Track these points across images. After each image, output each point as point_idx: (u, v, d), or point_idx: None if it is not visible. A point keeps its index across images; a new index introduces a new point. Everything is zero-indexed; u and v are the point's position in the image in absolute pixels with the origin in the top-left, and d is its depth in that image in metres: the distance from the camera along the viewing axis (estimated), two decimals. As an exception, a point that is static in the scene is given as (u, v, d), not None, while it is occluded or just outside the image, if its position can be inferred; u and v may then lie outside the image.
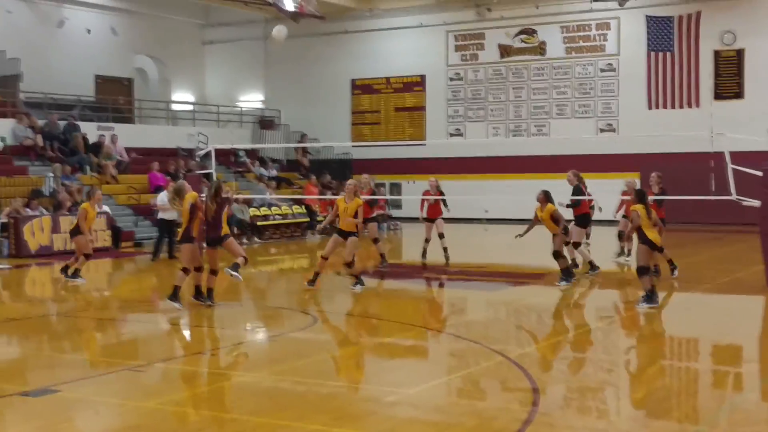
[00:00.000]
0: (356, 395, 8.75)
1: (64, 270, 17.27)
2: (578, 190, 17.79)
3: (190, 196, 13.77)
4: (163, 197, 21.45)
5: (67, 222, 22.71)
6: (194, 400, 8.50)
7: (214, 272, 13.84)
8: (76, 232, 17.24)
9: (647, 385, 9.41)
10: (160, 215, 21.52)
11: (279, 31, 19.57)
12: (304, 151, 35.23)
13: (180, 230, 13.88)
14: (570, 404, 8.49)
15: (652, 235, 13.40)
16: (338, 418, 7.84)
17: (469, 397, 8.89)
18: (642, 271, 13.45)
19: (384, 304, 15.33)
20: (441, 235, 19.74)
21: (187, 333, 12.95)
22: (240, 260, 13.97)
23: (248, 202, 27.23)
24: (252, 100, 39.09)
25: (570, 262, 16.48)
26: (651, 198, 17.85)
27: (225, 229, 13.80)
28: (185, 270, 13.71)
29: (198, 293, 13.99)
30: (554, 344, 11.34)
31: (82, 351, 11.48)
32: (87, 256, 17.19)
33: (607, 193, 21.93)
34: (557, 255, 16.11)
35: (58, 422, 7.86)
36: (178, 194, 13.97)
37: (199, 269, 13.87)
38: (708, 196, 19.47)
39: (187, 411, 8.06)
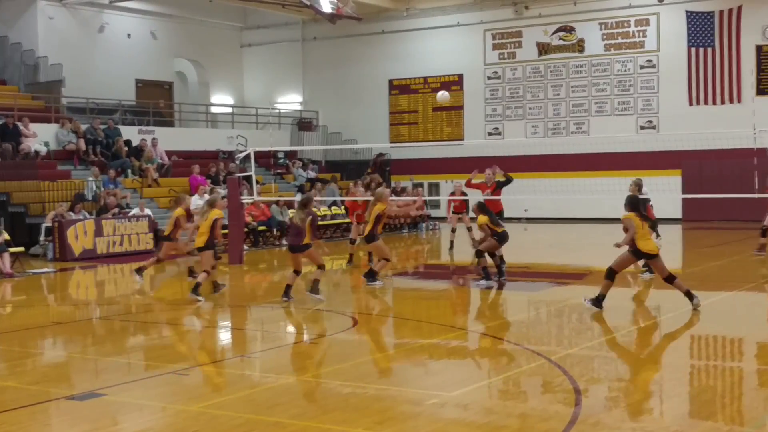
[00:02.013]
0: (399, 398, 8.74)
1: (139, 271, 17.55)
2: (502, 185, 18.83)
3: (217, 212, 15.49)
4: (197, 201, 21.57)
5: (110, 225, 22.97)
6: (238, 403, 8.54)
7: (297, 272, 14.95)
8: (166, 238, 17.71)
9: (692, 385, 9.32)
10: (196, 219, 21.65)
11: (443, 95, 22.00)
12: (376, 168, 34.66)
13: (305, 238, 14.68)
14: (614, 405, 8.43)
15: (644, 245, 12.76)
16: (381, 421, 7.85)
17: (512, 399, 8.87)
18: (608, 273, 13.06)
19: (423, 305, 15.30)
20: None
21: (229, 335, 13.05)
22: (317, 272, 14.99)
23: (288, 204, 27.31)
24: (290, 101, 39.26)
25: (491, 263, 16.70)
26: None
27: (307, 239, 14.62)
28: (322, 266, 14.98)
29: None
30: (596, 345, 11.27)
31: (127, 354, 11.58)
32: (191, 252, 17.55)
33: (651, 192, 21.69)
34: (480, 254, 16.47)
35: (104, 426, 7.94)
36: (212, 205, 15.55)
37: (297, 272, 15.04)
38: (751, 193, 19.23)
39: (231, 414, 8.10)
